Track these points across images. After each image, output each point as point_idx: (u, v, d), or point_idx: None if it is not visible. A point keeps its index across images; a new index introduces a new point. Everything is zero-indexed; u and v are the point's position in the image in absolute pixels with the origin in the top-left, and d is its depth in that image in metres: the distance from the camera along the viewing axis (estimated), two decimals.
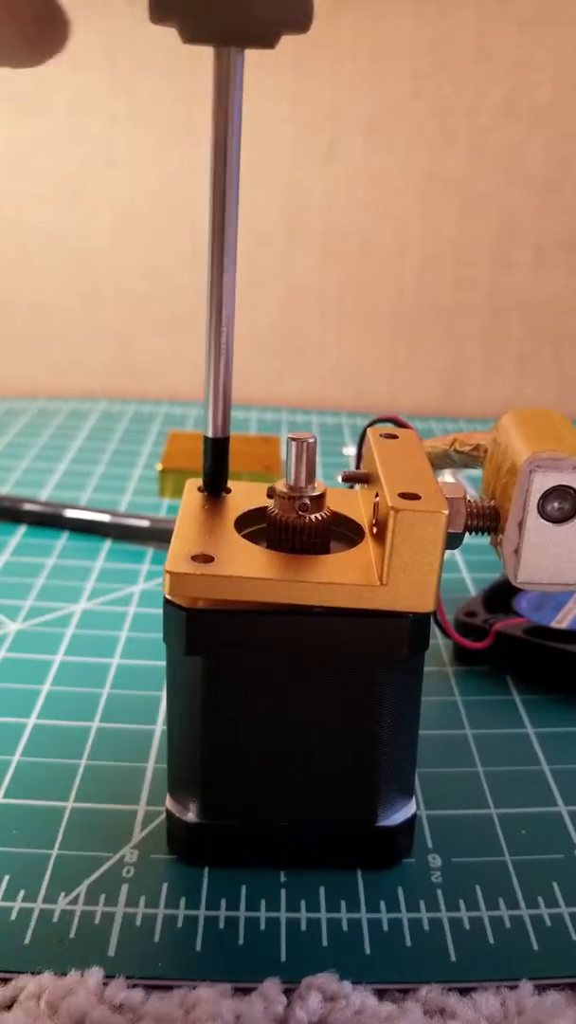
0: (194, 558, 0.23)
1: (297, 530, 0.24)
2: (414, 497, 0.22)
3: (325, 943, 0.23)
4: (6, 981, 0.22)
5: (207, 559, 0.23)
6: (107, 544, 0.44)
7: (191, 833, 0.25)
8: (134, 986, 0.22)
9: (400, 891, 0.25)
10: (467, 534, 0.24)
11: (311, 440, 0.25)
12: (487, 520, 0.24)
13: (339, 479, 0.26)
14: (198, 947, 0.23)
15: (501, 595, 0.37)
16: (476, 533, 0.24)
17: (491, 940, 0.24)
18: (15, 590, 0.40)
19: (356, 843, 0.25)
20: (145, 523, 0.45)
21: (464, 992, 0.22)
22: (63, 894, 0.24)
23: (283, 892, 0.25)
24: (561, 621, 0.35)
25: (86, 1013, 0.21)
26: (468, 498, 0.24)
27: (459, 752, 0.30)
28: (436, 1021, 0.22)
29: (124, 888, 0.25)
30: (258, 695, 0.24)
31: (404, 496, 0.22)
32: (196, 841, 0.25)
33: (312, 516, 0.24)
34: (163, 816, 0.26)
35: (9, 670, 0.34)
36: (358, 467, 0.28)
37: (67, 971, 0.22)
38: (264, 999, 0.22)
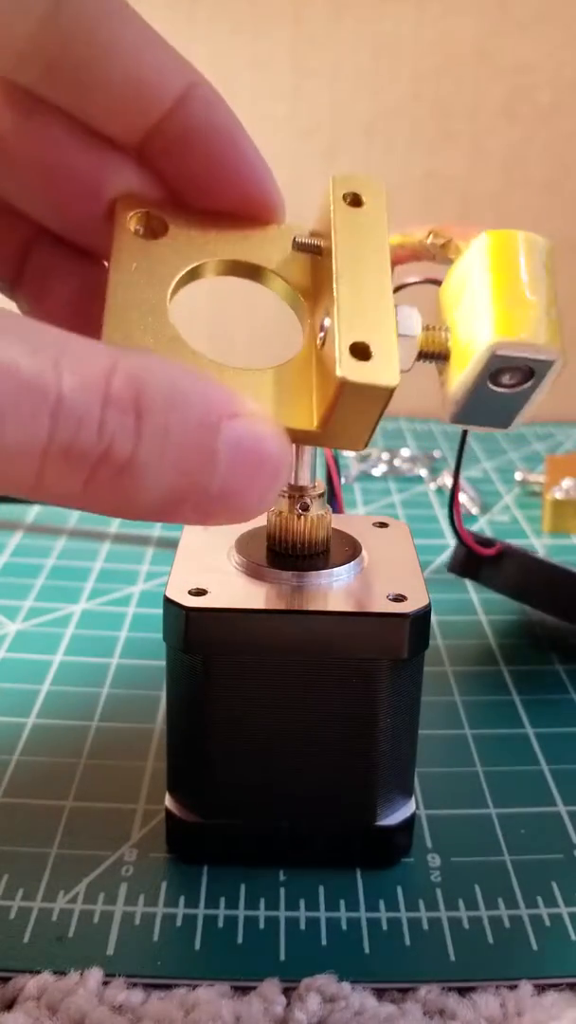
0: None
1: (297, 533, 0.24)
2: (365, 355, 0.20)
3: (324, 942, 0.23)
4: (5, 980, 0.22)
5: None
6: (107, 545, 0.45)
7: (190, 832, 0.25)
8: (134, 985, 0.22)
9: (399, 890, 0.25)
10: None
11: None
12: (438, 355, 0.23)
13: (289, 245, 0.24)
14: (197, 946, 0.23)
15: None
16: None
17: (490, 940, 0.24)
18: (15, 590, 0.40)
19: (355, 842, 0.25)
20: None
21: (463, 992, 0.22)
22: (62, 893, 0.24)
23: (282, 891, 0.25)
24: None
25: (86, 1014, 0.21)
26: (422, 330, 0.23)
27: (459, 752, 0.30)
28: (436, 1022, 0.22)
29: (123, 887, 0.25)
30: (258, 694, 0.24)
31: (355, 352, 0.20)
32: (195, 840, 0.25)
33: (312, 516, 0.24)
34: (162, 815, 0.26)
35: (9, 670, 0.34)
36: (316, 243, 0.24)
37: (66, 970, 0.22)
38: (263, 1000, 0.22)
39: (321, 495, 0.25)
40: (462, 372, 0.22)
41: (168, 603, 0.23)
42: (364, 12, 0.60)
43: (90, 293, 0.25)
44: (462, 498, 0.51)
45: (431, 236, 0.25)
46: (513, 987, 0.22)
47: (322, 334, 0.22)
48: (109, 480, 0.17)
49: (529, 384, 0.22)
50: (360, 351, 0.20)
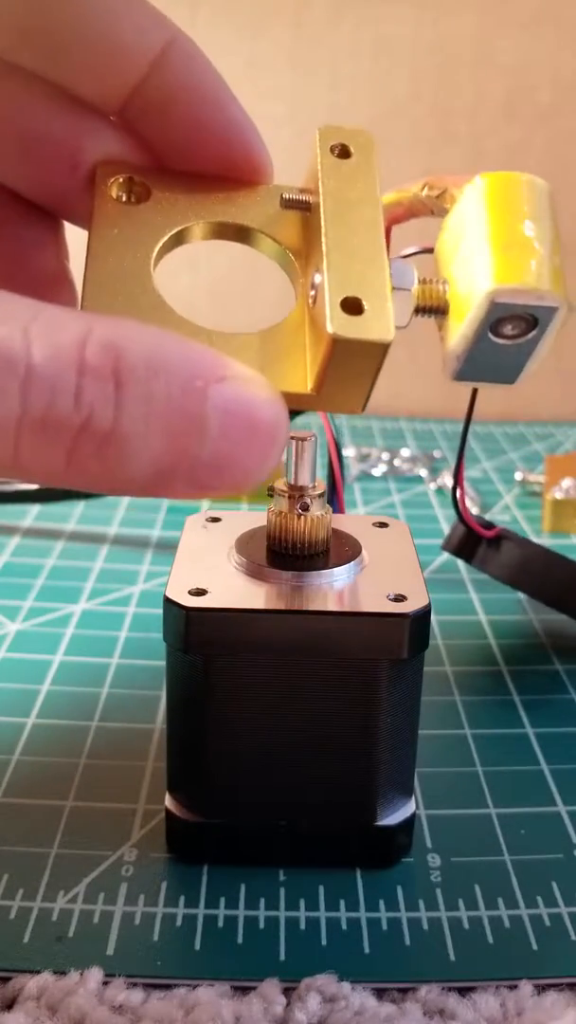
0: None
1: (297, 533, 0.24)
2: (357, 309, 0.19)
3: (324, 942, 0.23)
4: (5, 980, 0.22)
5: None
6: (107, 546, 0.45)
7: (190, 832, 0.25)
8: (134, 985, 0.22)
9: (399, 890, 0.25)
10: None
11: (311, 438, 0.25)
12: (435, 309, 0.22)
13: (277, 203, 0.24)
14: (197, 946, 0.23)
15: None
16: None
17: (490, 940, 0.24)
18: (15, 590, 0.40)
19: (355, 842, 0.25)
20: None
21: (463, 992, 0.22)
22: (62, 893, 0.24)
23: (282, 891, 0.25)
24: None
25: (86, 1014, 0.21)
26: (418, 282, 0.21)
27: (458, 752, 0.30)
28: (436, 1022, 0.22)
29: (123, 887, 0.25)
30: (258, 694, 0.24)
31: (346, 307, 0.19)
32: (195, 840, 0.25)
33: (312, 516, 0.24)
34: (162, 815, 0.26)
35: (9, 670, 0.34)
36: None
37: (66, 970, 0.22)
38: (264, 1000, 0.22)
39: (321, 495, 0.25)
40: (461, 324, 0.21)
41: (168, 603, 0.23)
42: (364, 13, 0.60)
43: (42, 246, 0.24)
44: None
45: (425, 188, 0.25)
46: (513, 987, 0.22)
47: (313, 292, 0.21)
48: (93, 452, 0.16)
49: (533, 334, 0.21)
50: (352, 306, 0.19)
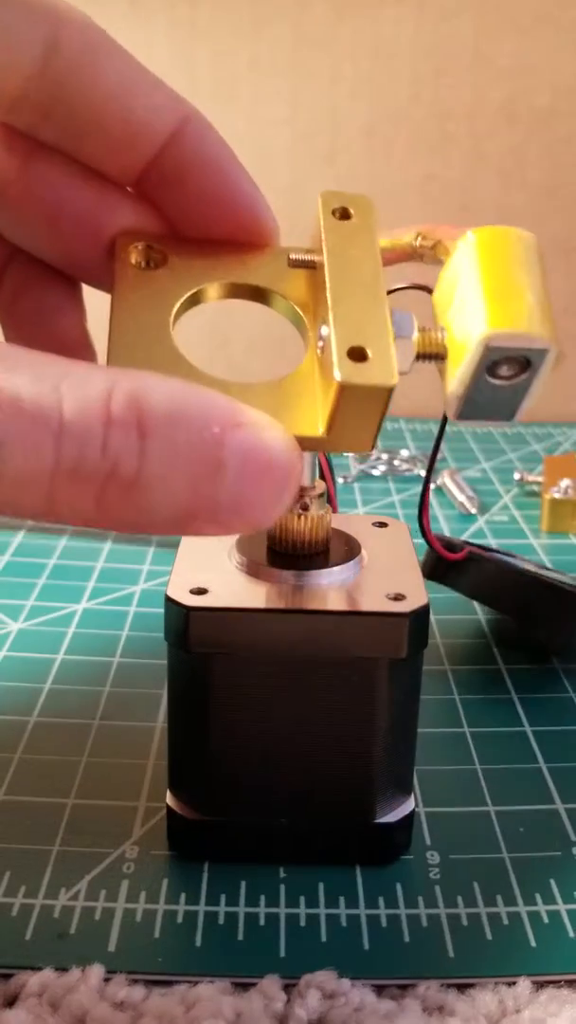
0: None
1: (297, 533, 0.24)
2: (362, 357, 0.21)
3: (324, 939, 0.23)
4: (7, 977, 0.22)
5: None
6: (108, 545, 0.45)
7: (191, 829, 0.25)
8: (135, 982, 0.22)
9: (399, 887, 0.25)
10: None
11: None
12: (435, 355, 0.23)
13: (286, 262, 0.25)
14: (198, 942, 0.23)
15: None
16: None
17: (489, 936, 0.24)
18: (17, 590, 0.40)
19: (355, 839, 0.26)
20: None
21: (462, 989, 0.22)
22: (64, 890, 0.25)
23: (282, 888, 0.25)
24: None
25: (87, 1011, 0.21)
26: (417, 331, 0.23)
27: (457, 750, 0.31)
28: (435, 1018, 0.22)
29: (124, 884, 0.25)
30: (258, 693, 0.24)
31: (352, 355, 0.21)
32: (196, 837, 0.25)
33: (312, 516, 0.25)
34: (163, 812, 0.26)
35: (11, 668, 0.34)
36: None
37: (68, 967, 0.22)
38: (264, 996, 0.22)
39: (321, 495, 0.25)
40: (460, 368, 0.22)
41: (169, 602, 0.24)
42: (363, 15, 0.60)
43: (64, 310, 0.25)
44: (460, 498, 0.51)
45: (419, 238, 0.26)
46: (512, 984, 0.23)
47: (321, 343, 0.22)
48: (120, 497, 0.17)
49: (527, 374, 0.22)
50: (357, 354, 0.21)
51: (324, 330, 0.22)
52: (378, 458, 0.57)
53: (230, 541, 0.26)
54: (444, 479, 0.54)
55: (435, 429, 0.64)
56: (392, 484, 0.54)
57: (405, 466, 0.56)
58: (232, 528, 0.18)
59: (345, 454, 0.58)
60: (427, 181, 0.63)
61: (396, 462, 0.57)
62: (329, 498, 0.29)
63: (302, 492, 0.25)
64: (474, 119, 0.62)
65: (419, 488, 0.54)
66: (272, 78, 0.61)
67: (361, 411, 0.21)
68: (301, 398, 0.22)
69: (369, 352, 0.21)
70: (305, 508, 0.25)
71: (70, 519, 0.17)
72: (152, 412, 0.17)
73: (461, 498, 0.51)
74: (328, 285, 0.22)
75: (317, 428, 0.21)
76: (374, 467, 0.56)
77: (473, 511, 0.50)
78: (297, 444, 0.19)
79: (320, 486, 0.25)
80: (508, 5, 0.60)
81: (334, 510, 0.31)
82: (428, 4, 0.60)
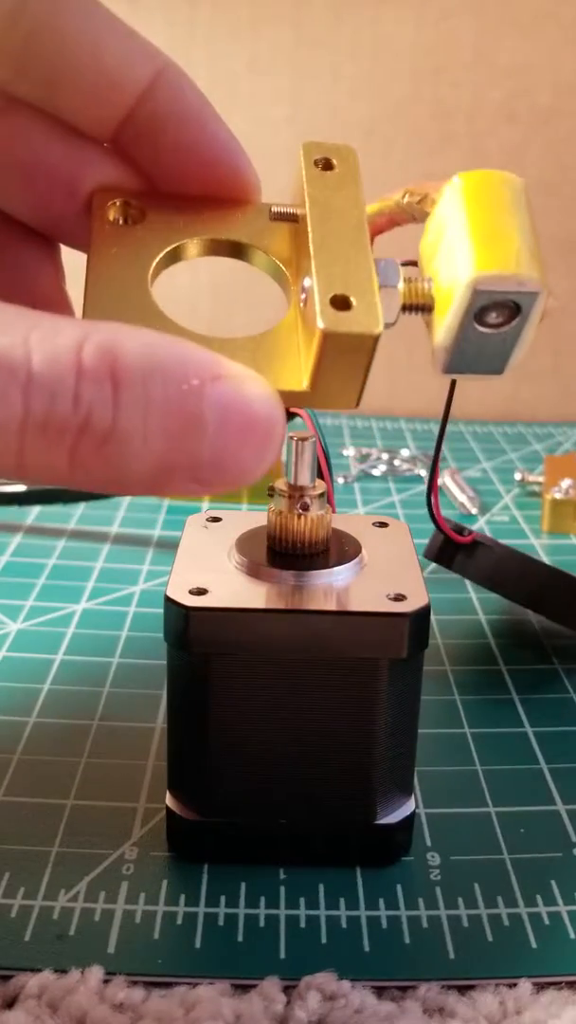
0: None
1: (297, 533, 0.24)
2: (345, 305, 0.20)
3: (324, 940, 0.23)
4: (6, 979, 0.22)
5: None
6: (107, 545, 0.45)
7: (191, 830, 0.25)
8: (134, 984, 0.22)
9: (399, 889, 0.25)
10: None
11: (311, 439, 0.25)
12: (421, 306, 0.22)
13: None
14: (197, 944, 0.23)
15: None
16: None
17: (490, 938, 0.24)
18: (16, 590, 0.40)
19: (355, 840, 0.25)
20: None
21: (463, 990, 0.22)
22: (63, 891, 0.24)
23: (282, 889, 0.25)
24: None
25: (87, 1012, 0.21)
26: (403, 281, 0.22)
27: (458, 751, 0.30)
28: (435, 1020, 0.22)
29: (124, 885, 0.25)
30: (258, 693, 0.24)
31: (336, 303, 0.20)
32: (196, 838, 0.25)
33: (312, 515, 0.25)
34: (163, 813, 0.26)
35: (10, 669, 0.34)
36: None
37: (67, 969, 0.22)
38: (264, 998, 0.22)
39: (321, 495, 0.25)
40: (447, 316, 0.21)
41: (169, 602, 0.24)
42: (363, 14, 0.60)
43: (41, 272, 0.25)
44: (461, 498, 0.51)
45: (406, 196, 0.26)
46: (512, 985, 0.22)
47: (303, 295, 0.22)
48: (93, 452, 0.16)
49: (517, 321, 0.21)
50: (340, 302, 0.20)
51: (307, 282, 0.21)
52: (378, 458, 0.57)
53: (230, 542, 0.26)
54: (445, 479, 0.54)
55: (435, 429, 0.64)
56: (392, 484, 0.54)
57: (405, 466, 0.56)
58: (212, 487, 0.18)
59: (345, 454, 0.58)
60: (427, 180, 0.63)
61: (396, 462, 0.57)
62: (327, 499, 0.29)
63: (302, 492, 0.25)
64: (474, 118, 0.62)
65: (420, 488, 0.54)
66: (272, 78, 0.61)
67: (345, 363, 0.20)
68: (284, 352, 0.22)
69: (353, 300, 0.20)
70: (305, 508, 0.25)
71: (42, 475, 0.17)
72: (126, 363, 0.16)
73: (462, 498, 0.51)
74: (311, 235, 0.22)
75: (301, 382, 0.21)
76: (374, 467, 0.56)
77: (474, 511, 0.50)
78: (280, 399, 0.18)
79: (320, 486, 0.25)
80: (508, 4, 0.60)
81: (332, 510, 0.31)
82: (428, 3, 0.60)
